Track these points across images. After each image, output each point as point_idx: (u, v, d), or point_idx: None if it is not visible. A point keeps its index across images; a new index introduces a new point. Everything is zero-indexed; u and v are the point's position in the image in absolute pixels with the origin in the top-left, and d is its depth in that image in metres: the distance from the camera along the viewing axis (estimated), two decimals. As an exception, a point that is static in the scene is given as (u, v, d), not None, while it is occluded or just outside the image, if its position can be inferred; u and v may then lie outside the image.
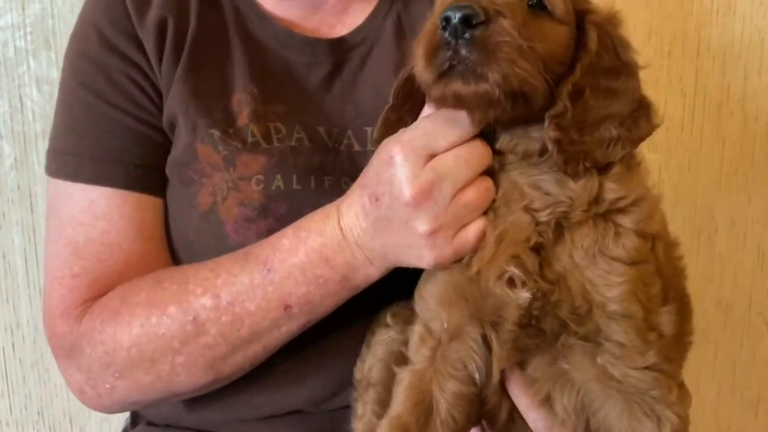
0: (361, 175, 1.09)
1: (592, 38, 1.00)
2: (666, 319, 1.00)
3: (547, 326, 1.00)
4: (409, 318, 1.14)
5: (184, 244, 1.26)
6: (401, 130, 1.05)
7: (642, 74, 1.05)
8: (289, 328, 1.15)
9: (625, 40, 1.03)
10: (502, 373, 1.06)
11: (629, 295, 0.96)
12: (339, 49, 1.32)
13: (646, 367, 0.99)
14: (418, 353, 1.08)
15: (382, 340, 1.21)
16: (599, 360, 0.99)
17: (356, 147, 1.27)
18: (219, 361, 1.16)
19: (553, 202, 0.99)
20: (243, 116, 1.24)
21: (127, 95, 1.24)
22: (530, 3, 0.97)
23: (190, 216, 1.23)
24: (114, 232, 1.23)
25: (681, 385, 1.05)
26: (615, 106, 0.99)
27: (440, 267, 1.05)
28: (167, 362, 1.16)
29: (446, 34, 0.91)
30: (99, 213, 1.23)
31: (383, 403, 1.14)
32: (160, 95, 1.26)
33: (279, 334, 1.16)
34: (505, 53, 0.91)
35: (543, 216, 0.99)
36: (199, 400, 1.26)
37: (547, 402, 1.06)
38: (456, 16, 0.90)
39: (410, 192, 1.00)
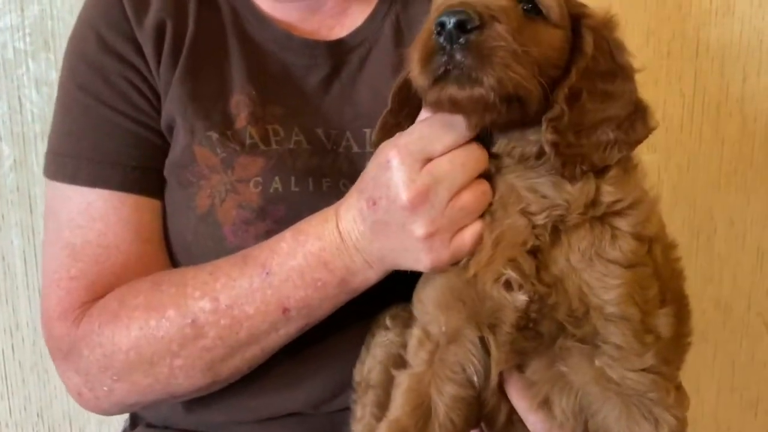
0: (359, 178, 1.09)
1: (588, 42, 1.00)
2: (663, 321, 1.00)
3: (544, 329, 1.00)
4: (409, 320, 1.14)
5: (182, 246, 1.26)
6: (398, 134, 1.05)
7: (641, 75, 1.05)
8: (288, 331, 1.15)
9: (621, 43, 1.03)
10: (501, 375, 1.07)
11: (626, 298, 0.96)
12: (337, 51, 1.32)
13: (643, 369, 0.99)
14: (416, 356, 1.09)
15: (381, 342, 1.21)
16: (597, 362, 0.99)
17: (355, 149, 1.27)
18: (217, 363, 1.16)
19: (549, 205, 0.99)
20: (241, 118, 1.24)
21: (125, 98, 1.25)
22: (526, 8, 0.97)
23: (188, 218, 1.23)
24: (111, 234, 1.23)
25: (679, 387, 1.06)
26: (612, 109, 1.00)
27: (437, 270, 1.05)
28: (166, 365, 1.16)
29: (441, 39, 0.91)
30: (96, 215, 1.23)
31: (382, 406, 1.14)
32: (158, 97, 1.26)
33: (277, 337, 1.16)
34: (499, 58, 0.91)
35: (540, 219, 0.99)
36: (198, 401, 1.26)
37: (545, 404, 1.06)
38: (451, 21, 0.90)
39: (407, 196, 1.01)
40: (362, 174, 1.08)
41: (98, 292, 1.22)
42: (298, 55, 1.30)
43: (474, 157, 1.02)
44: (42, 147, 1.26)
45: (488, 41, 0.91)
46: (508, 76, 0.91)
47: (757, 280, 1.97)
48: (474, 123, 1.00)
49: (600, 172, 0.99)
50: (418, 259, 1.04)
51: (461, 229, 1.02)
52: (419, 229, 1.02)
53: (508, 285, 0.98)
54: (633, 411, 1.01)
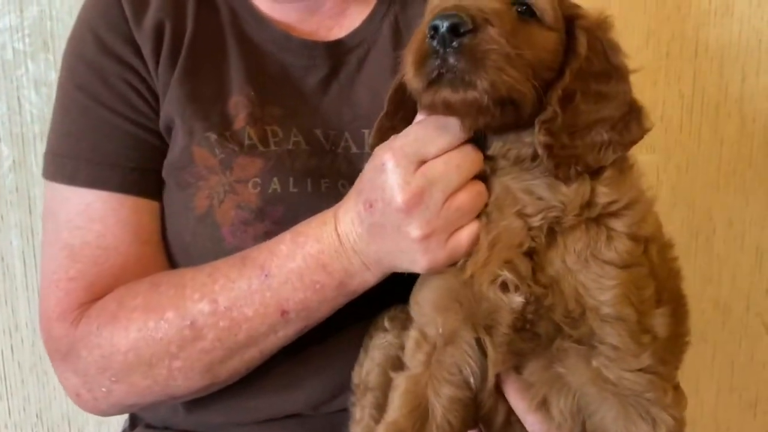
0: (357, 181, 1.09)
1: (582, 43, 1.00)
2: (660, 322, 1.00)
3: (541, 330, 1.00)
4: (407, 322, 1.14)
5: (180, 247, 1.26)
6: (393, 137, 1.05)
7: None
8: (286, 333, 1.16)
9: (615, 44, 1.03)
10: (498, 377, 1.07)
11: (622, 298, 0.96)
12: (336, 51, 1.32)
13: (640, 370, 0.99)
14: (413, 358, 1.09)
15: (379, 344, 1.21)
16: (594, 363, 0.99)
17: (353, 149, 1.27)
18: (216, 365, 1.16)
19: (545, 207, 0.99)
20: (240, 119, 1.24)
21: (124, 99, 1.25)
22: (520, 10, 0.97)
23: (186, 219, 1.23)
24: (110, 235, 1.23)
25: (676, 387, 1.06)
26: (606, 110, 1.00)
27: (434, 271, 1.05)
28: (164, 366, 1.16)
29: (434, 43, 0.92)
30: (95, 216, 1.23)
31: (381, 408, 1.14)
32: (156, 99, 1.26)
33: (276, 339, 1.16)
34: (492, 61, 0.91)
35: (535, 221, 0.99)
36: (197, 403, 1.26)
37: (543, 405, 1.06)
38: (444, 25, 0.90)
39: (402, 198, 1.01)
40: (360, 176, 1.08)
41: (97, 293, 1.22)
42: (296, 56, 1.31)
43: (469, 158, 1.02)
44: (41, 148, 1.26)
45: (481, 45, 0.91)
46: (502, 79, 0.92)
47: (756, 281, 1.98)
48: (468, 125, 1.00)
49: (595, 173, 1.00)
50: (414, 261, 1.04)
51: (457, 230, 1.03)
52: (415, 230, 1.02)
53: (504, 286, 0.99)
54: (630, 411, 1.01)
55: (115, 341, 1.17)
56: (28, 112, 1.75)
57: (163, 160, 1.26)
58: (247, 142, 1.23)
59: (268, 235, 1.17)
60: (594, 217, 0.99)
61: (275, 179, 1.21)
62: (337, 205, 1.12)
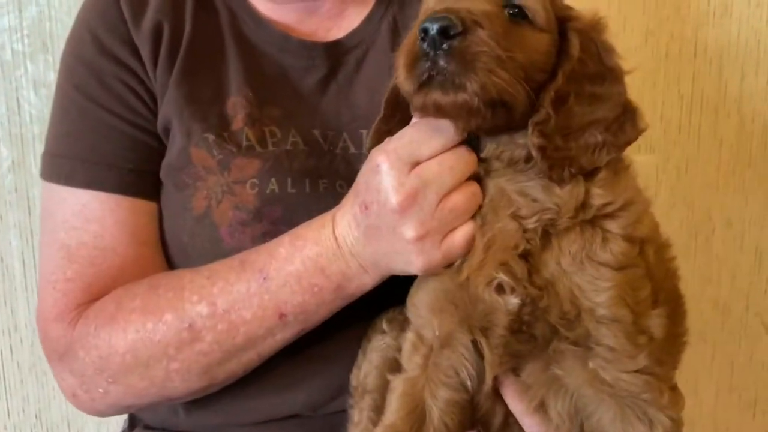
0: (354, 184, 1.09)
1: (574, 45, 1.00)
2: (656, 323, 1.00)
3: (537, 331, 1.00)
4: (405, 324, 1.14)
5: (178, 247, 1.26)
6: (387, 139, 1.06)
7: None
8: (284, 336, 1.16)
9: (609, 46, 1.03)
10: (496, 379, 1.07)
11: (617, 300, 0.96)
12: (335, 52, 1.32)
13: (636, 371, 0.99)
14: (410, 361, 1.09)
15: (377, 347, 1.21)
16: (591, 364, 0.99)
17: (352, 150, 1.27)
18: (213, 367, 1.17)
19: (540, 209, 0.99)
20: (238, 120, 1.24)
21: (122, 100, 1.25)
22: (511, 12, 0.97)
23: (184, 220, 1.23)
24: (107, 236, 1.23)
25: (674, 388, 1.06)
26: (600, 111, 1.00)
27: (430, 273, 1.05)
28: (162, 368, 1.16)
29: (425, 45, 0.92)
30: (91, 217, 1.23)
31: (379, 410, 1.14)
32: (154, 100, 1.26)
33: (273, 342, 1.16)
34: (482, 63, 0.91)
35: (530, 223, 0.99)
36: (196, 404, 1.26)
37: (541, 407, 1.06)
38: (433, 28, 0.91)
39: (396, 199, 1.01)
40: (356, 179, 1.09)
41: (94, 294, 1.22)
42: (295, 57, 1.31)
43: (463, 160, 1.03)
44: (40, 148, 1.27)
45: (471, 47, 0.91)
46: (492, 82, 0.92)
47: (755, 281, 1.98)
48: (461, 127, 1.00)
49: (590, 174, 1.00)
50: (409, 262, 1.04)
51: (452, 231, 1.03)
52: (409, 231, 1.02)
53: (500, 288, 0.99)
54: (627, 412, 1.01)
55: (112, 342, 1.17)
56: (27, 112, 1.75)
57: (160, 161, 1.26)
58: (245, 143, 1.23)
59: (266, 235, 1.18)
60: (589, 219, 0.99)
61: (273, 180, 1.21)
62: (335, 208, 1.12)
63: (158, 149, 1.26)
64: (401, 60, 0.96)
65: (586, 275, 0.97)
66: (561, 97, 0.98)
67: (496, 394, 1.09)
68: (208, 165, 1.22)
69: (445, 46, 0.91)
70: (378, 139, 1.09)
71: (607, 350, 0.98)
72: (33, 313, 1.77)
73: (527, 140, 0.98)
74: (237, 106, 1.25)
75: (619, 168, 1.02)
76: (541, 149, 0.97)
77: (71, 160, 1.24)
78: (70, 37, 1.31)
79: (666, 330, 1.01)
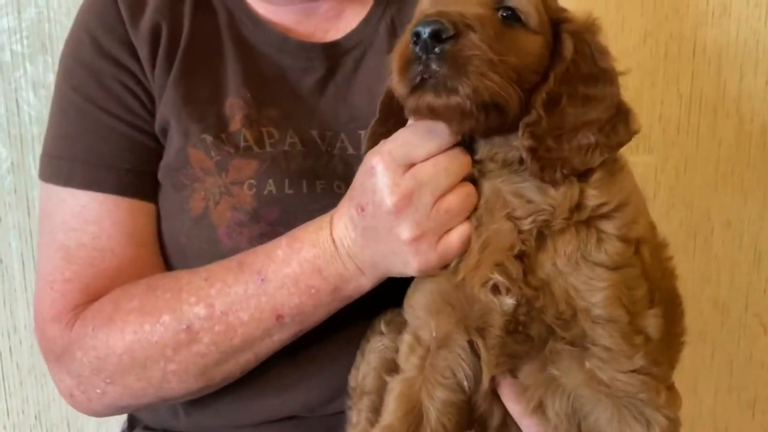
0: (350, 186, 1.09)
1: (567, 47, 1.00)
2: (652, 322, 1.00)
3: (534, 332, 1.00)
4: (403, 326, 1.14)
5: (176, 248, 1.26)
6: (382, 141, 1.06)
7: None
8: (281, 337, 1.16)
9: (603, 47, 1.03)
10: (493, 379, 1.07)
11: (613, 300, 0.97)
12: (333, 53, 1.32)
13: (633, 371, 0.99)
14: (407, 362, 1.09)
15: (376, 348, 1.21)
16: (587, 364, 0.99)
17: (350, 150, 1.28)
18: (211, 368, 1.17)
19: (535, 210, 0.99)
20: (236, 121, 1.24)
21: (120, 101, 1.25)
22: (504, 15, 0.98)
23: (182, 221, 1.23)
24: (105, 237, 1.23)
25: (671, 388, 1.05)
26: (593, 112, 1.00)
27: (426, 274, 1.05)
28: (159, 369, 1.16)
29: (417, 49, 0.93)
30: (90, 218, 1.23)
31: (378, 411, 1.13)
32: (152, 101, 1.26)
33: (271, 343, 1.16)
34: (474, 66, 0.92)
35: (525, 224, 0.99)
36: (196, 405, 1.27)
37: (539, 408, 1.06)
38: (425, 32, 0.91)
39: (391, 200, 1.01)
40: (353, 181, 1.09)
41: (92, 294, 1.22)
42: (293, 58, 1.31)
43: (457, 161, 1.03)
44: (39, 149, 1.27)
45: (463, 50, 0.91)
46: (484, 85, 0.92)
47: (754, 281, 1.98)
48: (455, 129, 1.01)
49: (584, 175, 1.00)
50: (406, 263, 1.04)
51: (447, 231, 1.03)
52: (405, 232, 1.02)
53: (495, 289, 0.99)
54: (624, 412, 1.01)
55: (110, 343, 1.17)
56: (27, 113, 1.76)
57: (158, 162, 1.26)
58: (242, 143, 1.23)
59: (264, 236, 1.18)
60: (584, 220, 0.99)
61: (270, 180, 1.21)
62: (333, 210, 1.12)
63: (156, 150, 1.26)
64: (395, 63, 0.96)
65: (582, 275, 0.97)
66: (553, 99, 0.98)
67: (494, 395, 1.10)
68: (205, 166, 1.22)
69: (437, 49, 0.92)
70: (374, 142, 1.09)
71: (603, 350, 0.98)
72: (32, 315, 1.78)
73: (520, 142, 0.99)
74: (235, 107, 1.25)
75: (614, 169, 1.02)
76: (532, 151, 0.97)
77: (70, 161, 1.24)
78: (68, 39, 1.31)
79: (662, 330, 1.01)
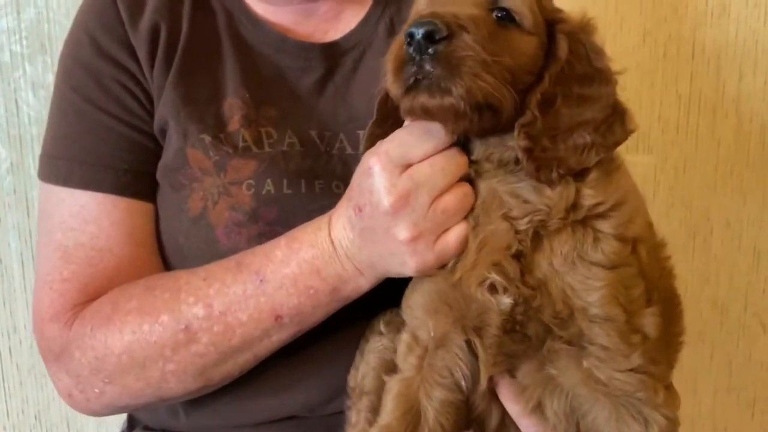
0: (348, 187, 1.10)
1: (562, 47, 1.00)
2: (650, 321, 1.00)
3: (531, 331, 1.00)
4: (402, 326, 1.14)
5: (174, 248, 1.26)
6: (379, 142, 1.06)
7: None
8: (280, 338, 1.16)
9: (598, 48, 1.03)
10: (491, 379, 1.07)
11: (610, 299, 0.97)
12: (332, 53, 1.32)
13: (630, 370, 0.99)
14: (405, 361, 1.09)
15: (375, 348, 1.21)
16: (585, 364, 0.99)
17: (348, 150, 1.28)
18: (209, 368, 1.17)
19: (531, 210, 0.99)
20: (234, 121, 1.25)
21: (119, 101, 1.25)
22: (498, 15, 0.98)
23: (180, 221, 1.24)
24: (104, 237, 1.23)
25: (669, 387, 1.06)
26: (588, 112, 1.00)
27: (424, 273, 1.06)
28: (158, 369, 1.16)
29: (411, 50, 0.93)
30: (89, 218, 1.23)
31: (377, 411, 1.13)
32: (151, 101, 1.26)
33: (269, 343, 1.16)
34: (468, 67, 0.92)
35: (522, 224, 0.99)
36: (195, 405, 1.27)
37: (538, 408, 1.06)
38: (419, 33, 0.91)
39: (388, 201, 1.02)
40: (351, 182, 1.09)
41: (91, 294, 1.22)
42: (292, 58, 1.31)
43: (454, 161, 1.03)
44: (39, 150, 1.28)
45: (456, 51, 0.92)
46: (477, 85, 0.92)
47: (753, 281, 1.98)
48: (451, 129, 1.01)
49: (580, 175, 1.00)
50: (404, 263, 1.05)
51: (445, 231, 1.03)
52: (402, 232, 1.02)
53: (492, 288, 0.99)
54: (622, 412, 1.01)
55: (109, 343, 1.17)
56: (26, 114, 1.76)
57: (157, 162, 1.26)
58: (241, 144, 1.23)
59: (262, 236, 1.18)
60: (580, 219, 0.99)
61: (269, 180, 1.21)
62: (331, 210, 1.12)
63: (154, 150, 1.26)
64: (389, 64, 0.97)
65: (578, 275, 0.97)
66: (548, 99, 0.98)
67: (492, 395, 1.10)
68: (204, 166, 1.22)
69: (430, 50, 0.92)
70: (372, 143, 1.09)
71: (601, 349, 0.98)
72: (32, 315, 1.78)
73: (515, 142, 0.99)
74: (234, 108, 1.25)
75: (610, 168, 1.02)
76: (527, 151, 0.97)
77: (68, 161, 1.24)
78: (67, 39, 1.31)
79: (660, 329, 1.00)
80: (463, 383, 1.06)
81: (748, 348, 2.01)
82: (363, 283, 1.11)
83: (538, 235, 0.99)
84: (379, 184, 1.02)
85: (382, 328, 1.21)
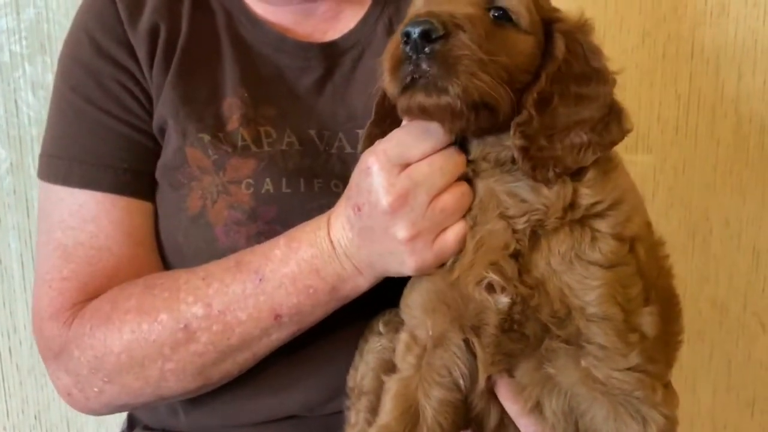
0: (347, 186, 1.10)
1: (559, 47, 1.00)
2: (648, 320, 1.00)
3: (529, 330, 1.00)
4: (401, 326, 1.14)
5: (173, 247, 1.26)
6: (377, 141, 1.06)
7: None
8: (279, 337, 1.16)
9: (595, 47, 1.03)
10: (489, 379, 1.07)
11: (607, 298, 0.97)
12: (331, 53, 1.32)
13: (629, 369, 0.99)
14: (404, 361, 1.09)
15: (374, 348, 1.21)
16: (583, 363, 0.99)
17: (348, 149, 1.28)
18: (208, 367, 1.17)
19: (528, 210, 0.99)
20: (233, 120, 1.25)
21: (118, 101, 1.25)
22: (495, 15, 0.98)
23: (179, 220, 1.24)
24: (103, 235, 1.23)
25: (667, 386, 1.06)
26: (585, 111, 1.00)
27: (422, 273, 1.06)
28: (157, 368, 1.16)
29: (407, 49, 0.93)
30: (88, 217, 1.23)
31: (376, 411, 1.13)
32: (150, 100, 1.26)
33: (269, 342, 1.16)
34: (464, 66, 0.92)
35: (519, 223, 0.99)
36: (195, 404, 1.27)
37: (536, 407, 1.06)
38: (415, 32, 0.91)
39: (387, 200, 1.02)
40: (349, 181, 1.09)
41: (90, 293, 1.22)
42: (291, 58, 1.31)
43: (452, 161, 1.03)
44: (38, 150, 1.28)
45: (453, 50, 0.92)
46: (474, 85, 0.92)
47: (752, 280, 1.98)
48: (449, 128, 1.01)
49: (577, 174, 1.00)
50: (402, 262, 1.05)
51: (443, 230, 1.03)
52: (401, 231, 1.02)
53: (490, 287, 0.99)
54: (620, 411, 1.01)
55: (108, 342, 1.17)
56: (26, 114, 1.76)
57: (156, 161, 1.26)
58: (240, 143, 1.23)
59: (261, 235, 1.18)
60: (578, 219, 0.99)
61: (268, 179, 1.22)
62: (330, 210, 1.12)
63: (154, 149, 1.26)
64: (386, 63, 0.97)
65: (576, 274, 0.97)
66: (544, 99, 0.98)
67: (491, 394, 1.10)
68: (203, 165, 1.22)
69: (427, 49, 0.92)
70: (370, 142, 1.09)
71: (599, 348, 0.98)
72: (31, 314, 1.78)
73: (512, 141, 0.99)
74: (233, 107, 1.25)
75: (608, 167, 1.02)
76: (523, 150, 0.97)
77: (68, 161, 1.24)
78: (67, 39, 1.31)
79: (658, 327, 1.00)
80: (461, 382, 1.06)
81: (748, 347, 2.01)
82: (362, 283, 1.11)
83: (535, 235, 0.99)
84: (378, 184, 1.02)
85: (381, 328, 1.21)
